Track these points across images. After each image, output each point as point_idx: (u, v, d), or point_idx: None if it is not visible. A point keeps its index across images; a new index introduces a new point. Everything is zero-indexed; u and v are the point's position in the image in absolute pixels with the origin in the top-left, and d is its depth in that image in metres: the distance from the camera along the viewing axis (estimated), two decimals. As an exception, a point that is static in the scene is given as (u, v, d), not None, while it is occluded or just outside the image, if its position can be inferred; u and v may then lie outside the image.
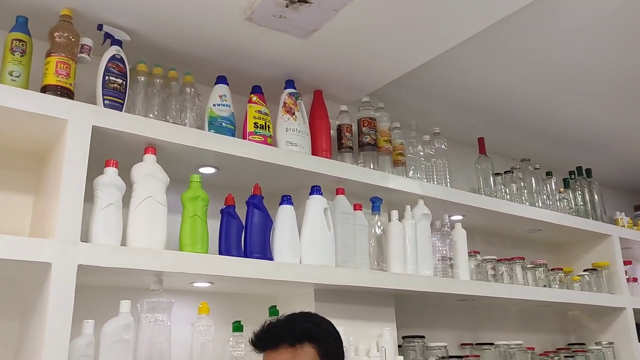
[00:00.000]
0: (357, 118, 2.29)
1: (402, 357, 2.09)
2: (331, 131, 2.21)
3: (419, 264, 2.21)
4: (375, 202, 2.20)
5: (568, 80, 2.53)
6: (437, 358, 2.26)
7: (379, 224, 2.19)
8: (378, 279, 2.04)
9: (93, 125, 1.55)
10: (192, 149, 1.75)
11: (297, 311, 1.50)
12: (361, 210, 2.13)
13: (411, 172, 2.40)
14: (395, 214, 2.22)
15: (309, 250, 1.91)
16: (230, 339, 1.79)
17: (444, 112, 2.73)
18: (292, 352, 1.37)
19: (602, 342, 2.92)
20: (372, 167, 2.23)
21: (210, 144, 1.77)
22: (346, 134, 2.22)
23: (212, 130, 1.84)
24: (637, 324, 3.04)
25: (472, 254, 2.50)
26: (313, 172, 1.99)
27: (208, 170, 1.90)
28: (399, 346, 2.19)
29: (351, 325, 2.06)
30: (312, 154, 2.06)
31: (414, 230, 2.23)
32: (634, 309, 3.00)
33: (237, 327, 1.79)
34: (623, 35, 2.21)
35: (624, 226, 3.27)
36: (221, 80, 1.94)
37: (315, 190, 1.98)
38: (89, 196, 1.56)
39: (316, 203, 1.97)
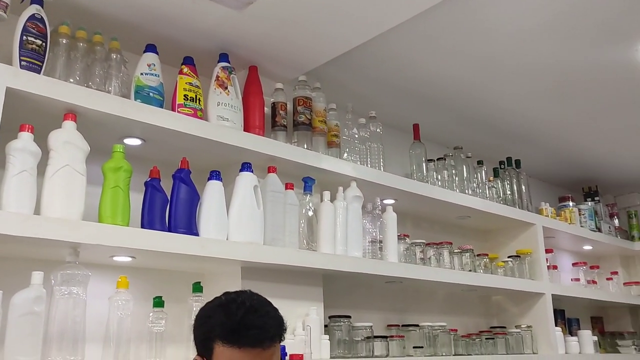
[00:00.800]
0: (293, 97, 2.27)
1: (327, 336, 2.12)
2: (265, 108, 2.18)
3: (349, 245, 2.23)
4: (308, 182, 2.19)
5: (503, 72, 2.60)
6: (363, 338, 2.29)
7: (310, 204, 2.18)
8: (307, 258, 2.04)
9: (7, 87, 1.47)
10: (116, 118, 1.68)
11: (230, 290, 1.38)
12: (293, 189, 2.12)
13: (345, 154, 2.41)
14: (327, 194, 2.22)
15: (237, 228, 1.89)
16: (151, 314, 1.74)
17: (381, 96, 2.75)
18: (273, 349, 1.28)
19: (522, 326, 3.04)
20: (305, 147, 2.22)
21: (136, 114, 1.71)
22: (280, 112, 2.20)
23: (139, 100, 1.78)
24: (554, 309, 3.20)
25: (401, 237, 2.54)
26: (244, 149, 1.96)
27: (133, 141, 1.83)
28: (325, 326, 2.20)
29: (278, 304, 2.01)
30: (244, 131, 2.03)
31: (345, 211, 2.25)
32: (552, 294, 3.15)
33: (158, 302, 1.75)
34: (559, 33, 2.29)
35: (547, 216, 3.40)
36: (150, 48, 1.87)
37: (246, 167, 1.96)
38: (1, 162, 1.47)
39: (246, 180, 1.95)
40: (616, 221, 4.11)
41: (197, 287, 1.86)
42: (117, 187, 1.64)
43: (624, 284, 4.07)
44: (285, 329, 1.34)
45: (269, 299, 1.36)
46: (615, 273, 3.97)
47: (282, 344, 1.89)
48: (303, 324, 2.06)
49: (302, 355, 1.95)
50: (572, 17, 2.18)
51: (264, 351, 1.24)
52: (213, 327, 1.25)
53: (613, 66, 2.58)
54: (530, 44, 2.37)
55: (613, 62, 2.54)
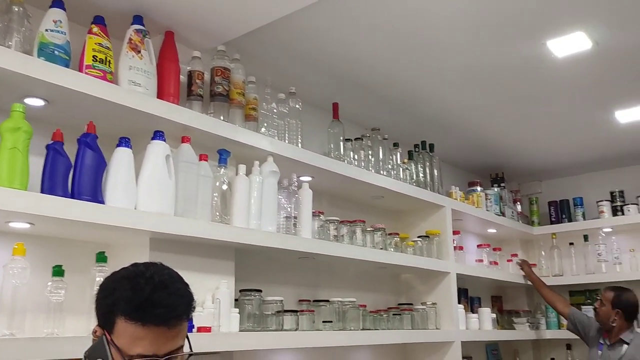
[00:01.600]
0: (211, 67, 2.22)
1: (237, 310, 2.11)
2: (181, 76, 2.11)
3: (263, 219, 2.23)
4: (223, 154, 2.16)
5: (423, 58, 2.68)
6: (273, 312, 2.30)
7: (224, 177, 2.15)
8: (219, 231, 2.02)
9: None
10: (16, 76, 1.57)
11: (139, 262, 1.29)
12: (207, 161, 2.08)
13: (263, 128, 2.39)
14: (242, 168, 2.20)
15: (146, 197, 1.83)
16: (49, 284, 1.67)
17: (302, 72, 2.75)
18: (180, 328, 1.21)
19: (427, 303, 3.19)
20: (222, 118, 2.18)
21: (39, 72, 1.61)
22: (197, 81, 2.15)
23: (42, 58, 1.67)
24: (458, 288, 3.37)
25: (316, 214, 2.57)
26: (157, 117, 1.90)
27: (36, 102, 1.73)
28: (236, 299, 2.20)
29: (187, 277, 1.98)
30: (158, 98, 1.96)
31: (261, 186, 2.24)
32: (457, 274, 3.31)
33: (57, 271, 1.68)
34: (474, 27, 2.39)
35: (457, 199, 3.56)
36: (57, 4, 1.76)
37: (158, 135, 1.90)
38: None
39: (158, 149, 1.89)
40: (519, 207, 4.38)
41: (101, 257, 1.79)
42: (15, 148, 1.54)
43: (523, 265, 4.35)
44: (194, 308, 1.29)
45: (178, 271, 1.30)
46: (515, 255, 4.24)
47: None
48: (213, 297, 2.04)
49: (210, 328, 1.93)
50: (485, 11, 2.28)
51: (169, 330, 1.18)
52: (117, 301, 1.18)
53: (523, 59, 2.72)
54: (448, 32, 2.45)
55: (523, 56, 2.69)
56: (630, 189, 4.17)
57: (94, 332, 1.23)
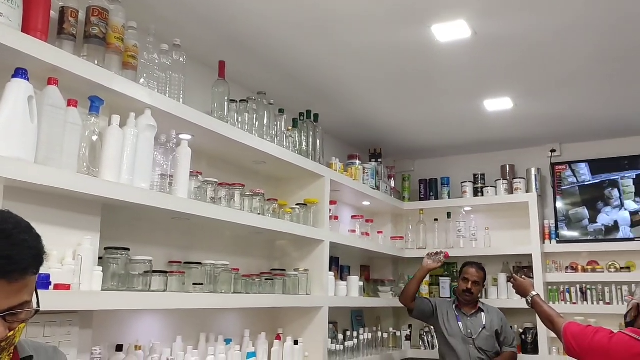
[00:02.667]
0: (87, 6, 2.03)
1: (100, 268, 2.00)
2: (52, 12, 1.91)
3: (135, 175, 2.11)
4: (95, 102, 2.00)
5: (317, 28, 2.68)
6: (141, 272, 2.21)
7: (96, 127, 2.00)
8: (85, 184, 1.88)
9: None
10: None
11: None
12: (76, 107, 1.91)
13: (142, 79, 2.25)
14: (116, 119, 2.06)
15: (3, 140, 1.65)
16: None
17: (188, 25, 2.63)
18: (24, 283, 1.09)
19: (300, 269, 3.25)
20: (96, 63, 2.01)
21: None
22: (70, 19, 1.95)
23: None
24: (331, 256, 3.47)
25: (194, 174, 2.49)
26: (20, 52, 1.71)
27: None
28: (100, 258, 2.08)
29: (46, 231, 1.81)
30: (23, 32, 1.76)
31: (135, 139, 2.11)
32: (330, 242, 3.41)
33: None
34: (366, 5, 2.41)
35: (336, 170, 3.65)
36: None
37: (20, 73, 1.71)
38: None
39: (19, 88, 1.70)
40: (392, 182, 4.59)
41: (-58, 204, 1.59)
42: None
43: (391, 238, 4.60)
44: (42, 262, 1.17)
45: (35, 224, 1.18)
46: (385, 229, 4.46)
47: (47, 272, 1.75)
48: (74, 254, 1.91)
49: (69, 285, 1.81)
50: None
51: (9, 284, 1.07)
52: None
53: (409, 41, 2.82)
54: (344, 8, 2.46)
55: (409, 38, 2.78)
56: (491, 173, 4.54)
57: None
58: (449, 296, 4.41)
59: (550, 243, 4.28)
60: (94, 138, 2.00)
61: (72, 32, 1.96)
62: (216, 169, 2.91)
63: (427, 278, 4.53)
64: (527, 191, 4.34)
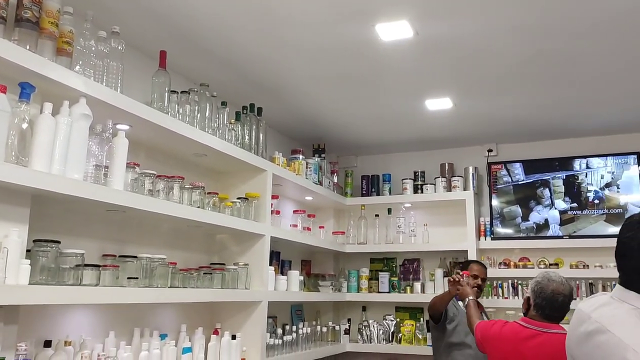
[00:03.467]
0: (19, -13, 1.94)
1: (28, 261, 1.92)
2: (-21, -8, 1.82)
3: (68, 165, 2.04)
4: (26, 88, 1.92)
5: (261, 22, 2.65)
6: (72, 266, 2.14)
7: (26, 114, 1.92)
8: (13, 173, 1.80)
9: None
10: None
11: None
12: (5, 94, 1.83)
13: (77, 66, 2.18)
14: (48, 107, 1.98)
15: None
16: None
17: (128, 12, 2.55)
18: None
19: (239, 263, 3.23)
20: (28, 48, 1.93)
21: None
22: (0, 1, 1.86)
23: None
24: (272, 250, 3.47)
25: (131, 165, 2.43)
26: (-58, 33, 1.61)
27: None
28: (28, 250, 1.99)
29: None
30: (-54, 11, 1.66)
31: (69, 128, 2.04)
32: (271, 236, 3.41)
33: None
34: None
35: (279, 165, 3.64)
36: None
37: (-58, 55, 1.62)
38: None
39: (-60, 71, 1.61)
40: (335, 178, 4.63)
41: None
42: None
43: (333, 232, 4.65)
44: None
45: None
46: (326, 224, 4.50)
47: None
48: (0, 246, 1.83)
49: (-8, 279, 1.73)
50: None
51: None
52: None
53: (354, 40, 2.85)
54: (288, 6, 2.46)
55: (354, 36, 2.81)
56: (431, 170, 4.66)
57: None
58: (387, 290, 4.49)
59: (485, 240, 4.44)
60: (24, 126, 1.92)
61: (2, 15, 1.87)
62: (155, 160, 2.85)
63: (367, 272, 4.63)
64: (465, 189, 4.48)
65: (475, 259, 4.21)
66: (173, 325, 2.89)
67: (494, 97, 3.69)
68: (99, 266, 2.25)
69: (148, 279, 2.52)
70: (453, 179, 4.52)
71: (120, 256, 2.50)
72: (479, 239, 4.43)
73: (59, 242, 2.08)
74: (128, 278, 2.40)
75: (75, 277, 2.12)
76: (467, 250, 4.29)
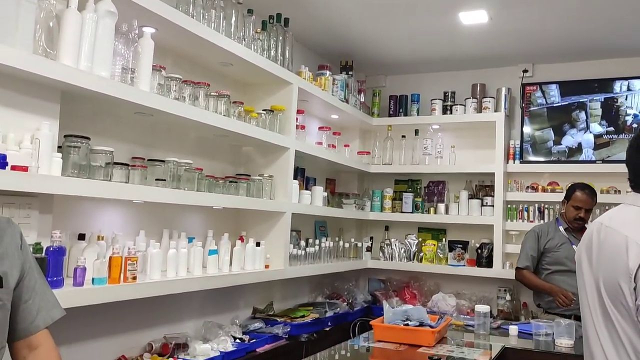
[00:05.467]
0: None
1: (60, 155, 1.98)
2: None
3: (95, 63, 2.05)
4: (51, -20, 1.90)
5: None
6: (103, 164, 2.19)
7: (53, 8, 1.92)
8: (43, 66, 1.83)
9: None
10: None
11: None
12: (30, -15, 1.82)
13: (102, -38, 2.13)
14: (74, 1, 1.97)
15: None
16: None
17: None
18: None
19: (264, 175, 3.28)
20: (52, -62, 1.89)
21: None
22: None
23: None
24: (296, 167, 3.49)
25: (157, 68, 2.43)
26: None
27: None
28: (60, 147, 2.04)
29: (2, 112, 1.84)
30: None
31: (95, 25, 2.04)
32: (296, 150, 3.42)
33: None
34: None
35: (305, 79, 3.60)
36: None
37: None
38: None
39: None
40: (362, 97, 4.57)
41: None
42: None
43: (358, 152, 4.65)
44: None
45: None
46: (352, 144, 4.49)
47: (3, 153, 1.73)
48: (32, 138, 1.88)
49: (26, 167, 1.79)
50: None
51: None
52: None
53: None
54: None
55: None
56: (462, 91, 4.55)
57: None
58: (410, 210, 4.52)
59: (514, 163, 4.38)
60: (51, 23, 1.92)
61: None
62: (181, 69, 2.84)
63: (391, 193, 4.65)
64: (496, 111, 4.38)
65: (495, 181, 4.17)
66: (200, 230, 2.98)
67: (533, 10, 3.51)
68: (128, 165, 2.31)
69: (175, 182, 2.57)
70: (484, 100, 4.42)
71: (148, 160, 2.55)
72: (507, 162, 4.37)
73: (88, 138, 2.12)
74: (156, 179, 2.46)
75: (105, 175, 2.18)
76: (494, 173, 4.26)
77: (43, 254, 1.85)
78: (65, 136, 2.07)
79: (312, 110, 4.06)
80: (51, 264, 1.87)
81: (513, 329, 3.16)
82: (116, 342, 2.50)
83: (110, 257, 2.14)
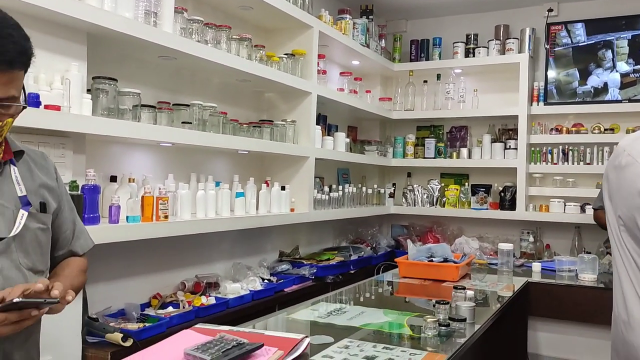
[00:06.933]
0: None
1: (90, 96, 2.02)
2: None
3: (119, 4, 2.07)
4: None
5: None
6: (130, 107, 2.23)
7: (74, -52, 1.92)
8: (67, 4, 1.84)
9: None
10: None
11: None
12: None
13: None
14: (95, -59, 1.97)
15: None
16: None
17: None
18: (10, 76, 1.15)
19: (287, 120, 3.30)
20: None
21: None
22: None
23: None
24: (318, 114, 3.49)
25: (179, 10, 2.43)
26: None
27: None
28: (88, 90, 2.08)
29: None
30: None
31: (116, -35, 2.04)
32: (318, 95, 3.42)
33: None
34: None
35: (326, 23, 3.56)
36: None
37: None
38: None
39: None
40: (383, 42, 4.51)
41: None
42: None
43: (379, 99, 4.62)
44: (29, 61, 1.21)
45: None
46: (373, 90, 4.46)
47: (36, 92, 1.77)
48: (62, 79, 1.92)
49: (59, 107, 1.84)
50: None
51: None
52: None
53: None
54: None
55: None
56: (485, 33, 4.46)
57: None
58: (433, 156, 4.52)
59: (538, 105, 4.32)
60: (73, -39, 1.92)
61: None
62: (202, 12, 2.83)
63: (413, 139, 4.65)
64: (520, 52, 4.29)
65: (519, 124, 4.13)
66: (226, 175, 3.04)
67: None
68: (155, 107, 2.35)
69: (201, 126, 2.61)
70: (508, 41, 4.33)
71: (174, 104, 2.58)
72: (531, 105, 4.31)
73: (116, 80, 2.16)
74: (182, 122, 2.50)
75: (134, 116, 2.22)
76: (517, 116, 4.21)
77: (79, 192, 1.92)
78: (93, 78, 2.11)
79: (333, 56, 4.03)
80: (87, 201, 1.94)
81: (536, 266, 3.21)
82: (151, 281, 2.60)
83: (142, 197, 2.21)
